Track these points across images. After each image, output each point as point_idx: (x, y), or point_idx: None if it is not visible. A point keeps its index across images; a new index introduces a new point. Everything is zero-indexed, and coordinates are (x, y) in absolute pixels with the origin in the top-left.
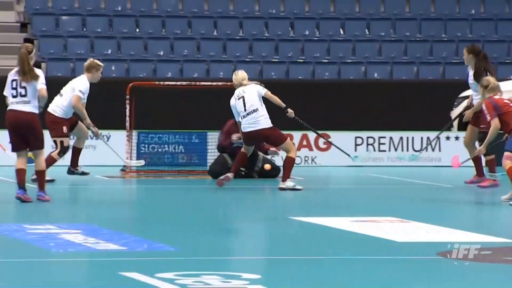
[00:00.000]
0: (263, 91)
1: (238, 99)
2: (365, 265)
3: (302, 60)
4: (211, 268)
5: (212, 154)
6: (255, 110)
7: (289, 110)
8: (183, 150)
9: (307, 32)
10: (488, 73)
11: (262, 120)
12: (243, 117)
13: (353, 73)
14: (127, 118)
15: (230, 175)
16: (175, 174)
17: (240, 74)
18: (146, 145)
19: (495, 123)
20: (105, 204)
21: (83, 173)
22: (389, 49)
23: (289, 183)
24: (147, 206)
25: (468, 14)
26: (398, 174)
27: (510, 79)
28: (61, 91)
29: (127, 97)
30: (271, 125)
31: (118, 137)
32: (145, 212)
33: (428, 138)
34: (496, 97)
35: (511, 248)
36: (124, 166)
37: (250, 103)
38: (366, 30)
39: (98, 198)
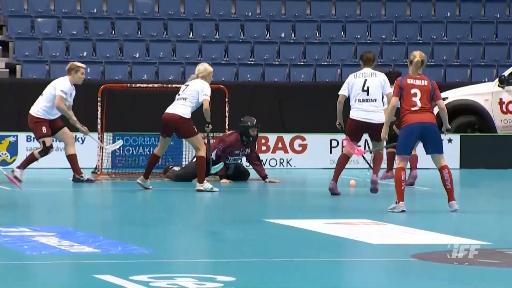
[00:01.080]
0: (202, 98)
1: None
2: (340, 267)
3: (277, 62)
4: (186, 271)
5: (186, 157)
6: (184, 99)
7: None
8: None
9: (283, 35)
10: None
11: (183, 108)
12: (178, 99)
13: (329, 76)
14: (99, 121)
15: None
16: (150, 177)
17: (201, 67)
18: (121, 148)
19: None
20: (79, 207)
21: (88, 180)
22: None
23: (207, 185)
24: (121, 209)
25: (444, 16)
26: (368, 176)
27: (484, 81)
28: (43, 92)
29: (99, 99)
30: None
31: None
32: (119, 215)
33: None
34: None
35: (486, 250)
36: (95, 168)
37: (186, 91)
38: (342, 33)
39: (72, 201)
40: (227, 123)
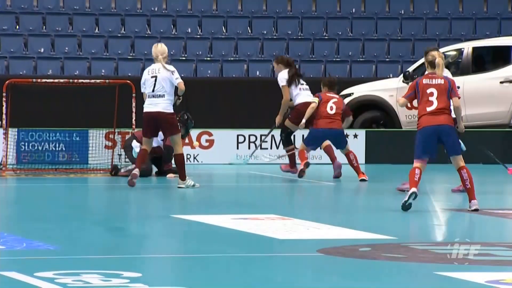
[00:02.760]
0: (176, 81)
1: (152, 77)
2: (246, 263)
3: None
4: (91, 267)
5: (93, 152)
6: (161, 96)
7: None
8: (63, 148)
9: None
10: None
11: (164, 104)
12: (153, 96)
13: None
14: (4, 116)
15: (136, 171)
16: (55, 173)
17: (160, 47)
18: (26, 143)
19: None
20: None
21: None
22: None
23: (189, 182)
24: (26, 205)
25: (348, 12)
26: (279, 172)
27: (389, 77)
28: None
29: (4, 94)
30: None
31: None
32: (24, 211)
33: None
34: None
35: (391, 245)
36: (0, 164)
37: (158, 86)
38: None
39: None
40: (134, 118)
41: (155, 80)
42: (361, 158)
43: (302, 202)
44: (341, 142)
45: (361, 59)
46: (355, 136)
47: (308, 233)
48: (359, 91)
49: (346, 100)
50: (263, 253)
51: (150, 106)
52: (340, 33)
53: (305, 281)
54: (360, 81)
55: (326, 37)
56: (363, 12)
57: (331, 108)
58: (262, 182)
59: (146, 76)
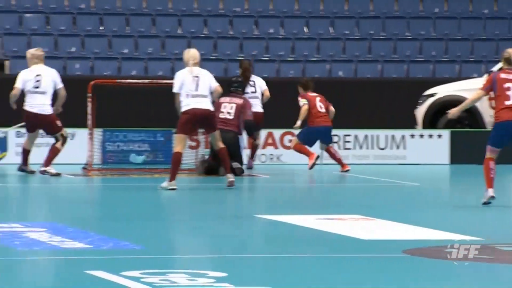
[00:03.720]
0: (215, 85)
1: (194, 76)
2: (330, 263)
3: (267, 58)
4: (178, 266)
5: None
6: (204, 95)
7: None
8: (148, 148)
9: (272, 30)
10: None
11: (209, 102)
12: (197, 95)
13: (318, 71)
14: (89, 116)
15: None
16: (140, 173)
17: (193, 53)
18: (111, 143)
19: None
20: (70, 203)
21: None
22: (353, 47)
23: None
24: (112, 205)
25: (432, 12)
26: (363, 172)
27: (473, 77)
28: (42, 89)
29: (89, 95)
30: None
31: (83, 135)
32: (111, 211)
33: (393, 136)
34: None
35: (476, 246)
36: (86, 164)
37: (202, 86)
38: (331, 29)
39: (63, 197)
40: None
41: (198, 80)
42: (445, 158)
43: (386, 202)
44: (331, 137)
45: (444, 59)
46: (439, 136)
47: (393, 234)
48: (443, 91)
49: (430, 100)
50: (347, 253)
51: (196, 104)
52: (423, 33)
53: (391, 283)
54: (444, 81)
55: (409, 37)
56: (445, 12)
57: (320, 107)
58: (346, 183)
59: (186, 75)
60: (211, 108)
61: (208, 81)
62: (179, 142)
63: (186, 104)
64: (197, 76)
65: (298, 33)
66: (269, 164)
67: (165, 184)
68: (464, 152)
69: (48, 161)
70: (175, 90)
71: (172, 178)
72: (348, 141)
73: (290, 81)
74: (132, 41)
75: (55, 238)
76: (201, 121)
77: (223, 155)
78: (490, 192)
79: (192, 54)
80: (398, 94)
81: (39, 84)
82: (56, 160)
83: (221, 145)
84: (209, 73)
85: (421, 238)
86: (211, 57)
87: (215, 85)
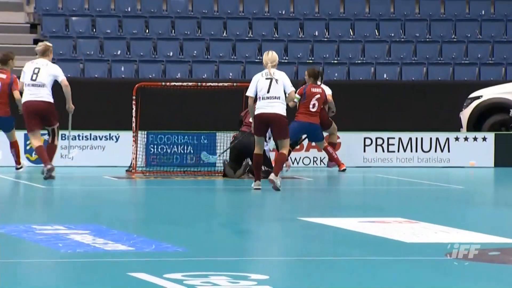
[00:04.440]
0: (290, 90)
1: (266, 79)
2: (373, 266)
3: (311, 60)
4: (219, 269)
5: (221, 155)
6: (278, 98)
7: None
8: (191, 151)
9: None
10: None
11: (282, 107)
12: (269, 97)
13: (362, 74)
14: (133, 119)
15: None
16: (183, 175)
17: (273, 56)
18: (155, 146)
19: None
20: (113, 205)
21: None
22: (398, 49)
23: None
24: (155, 207)
25: (478, 14)
26: (406, 175)
27: None
28: (39, 80)
29: (133, 97)
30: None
31: (127, 137)
32: (153, 213)
33: (437, 139)
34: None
35: None
36: (130, 166)
37: (275, 89)
38: (376, 31)
39: (106, 199)
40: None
41: (270, 83)
42: (490, 161)
43: (429, 205)
44: (317, 136)
45: (490, 62)
46: (484, 139)
47: (436, 237)
48: (488, 93)
49: (475, 103)
50: (390, 256)
51: (264, 108)
52: (469, 35)
53: (434, 286)
54: (489, 84)
55: (454, 40)
56: (492, 14)
57: (313, 106)
58: (389, 185)
59: (260, 78)
60: (281, 112)
61: (282, 84)
62: (256, 144)
63: (257, 107)
64: (271, 78)
65: (342, 35)
66: (312, 166)
67: (252, 184)
68: (508, 155)
69: (50, 159)
70: (247, 93)
71: (256, 178)
72: (392, 144)
73: (334, 83)
74: (177, 44)
75: (98, 240)
76: (270, 124)
77: (277, 160)
78: None
79: (270, 56)
80: (443, 96)
81: (35, 77)
82: (100, 162)
83: (285, 151)
84: (286, 75)
85: (464, 241)
86: (256, 60)
87: (290, 89)
